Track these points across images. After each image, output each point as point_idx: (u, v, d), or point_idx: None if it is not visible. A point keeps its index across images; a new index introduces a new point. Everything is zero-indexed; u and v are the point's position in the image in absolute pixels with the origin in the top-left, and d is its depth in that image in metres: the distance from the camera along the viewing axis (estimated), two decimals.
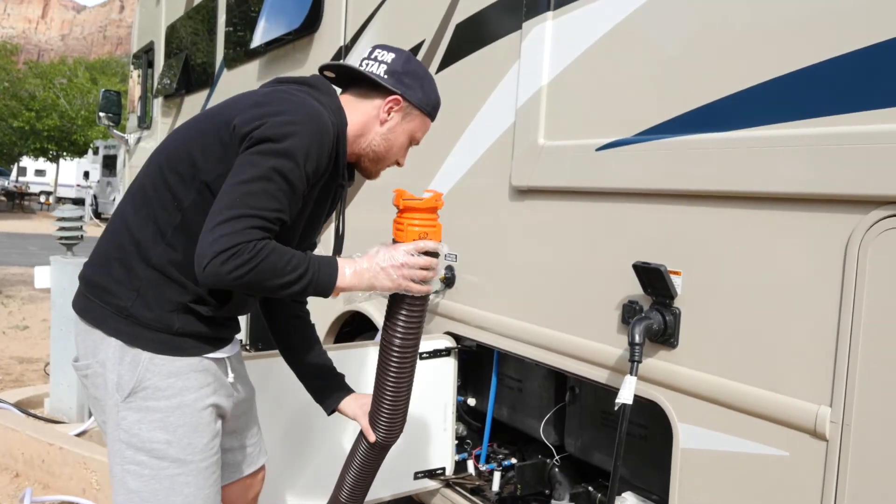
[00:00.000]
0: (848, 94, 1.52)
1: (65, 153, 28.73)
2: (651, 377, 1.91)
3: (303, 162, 1.52)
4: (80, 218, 4.57)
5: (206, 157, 1.57)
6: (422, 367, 2.33)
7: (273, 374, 2.21)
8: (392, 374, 1.75)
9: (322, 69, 1.76)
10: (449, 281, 2.70)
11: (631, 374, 1.82)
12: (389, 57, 1.73)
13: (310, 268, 1.55)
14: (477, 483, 2.75)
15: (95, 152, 28.73)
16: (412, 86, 1.74)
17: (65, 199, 33.99)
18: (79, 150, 28.68)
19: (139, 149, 7.28)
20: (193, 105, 5.56)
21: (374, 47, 1.77)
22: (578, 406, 2.41)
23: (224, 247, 1.43)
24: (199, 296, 1.62)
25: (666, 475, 1.91)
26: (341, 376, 2.00)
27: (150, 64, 6.97)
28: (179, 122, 5.95)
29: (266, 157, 1.49)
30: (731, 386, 1.72)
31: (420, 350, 2.33)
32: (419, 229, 1.64)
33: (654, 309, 1.89)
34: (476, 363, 2.80)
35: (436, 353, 2.65)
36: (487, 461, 2.75)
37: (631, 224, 2.00)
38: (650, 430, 2.10)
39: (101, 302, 1.63)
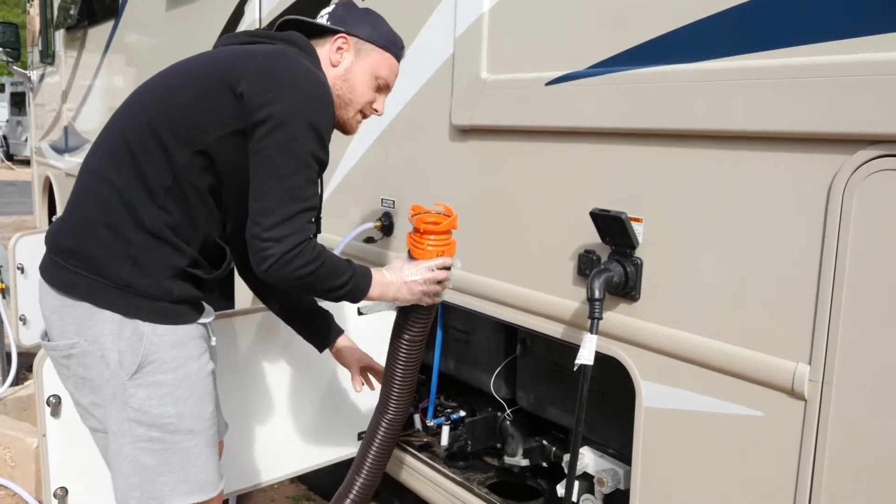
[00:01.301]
0: (829, 19, 1.35)
1: None
2: (611, 332, 1.77)
3: (328, 138, 1.56)
4: None
5: (205, 119, 1.53)
6: (361, 320, 2.17)
7: (240, 333, 2.17)
8: (399, 374, 1.91)
9: (279, 26, 1.75)
10: (387, 229, 2.49)
11: (591, 332, 1.67)
12: (331, 7, 1.77)
13: (354, 274, 1.63)
14: (425, 440, 2.62)
15: (1, 90, 26.86)
16: (355, 23, 1.74)
17: None
18: None
19: (45, 85, 6.71)
20: (98, 38, 5.08)
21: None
22: (530, 359, 2.27)
23: (289, 246, 1.48)
24: (194, 259, 1.60)
25: (625, 431, 1.80)
26: (330, 315, 2.06)
27: None
28: (86, 58, 5.48)
29: (301, 143, 1.49)
30: (699, 342, 1.59)
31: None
32: (437, 248, 1.76)
33: (613, 260, 1.73)
34: None
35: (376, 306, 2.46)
36: (435, 416, 2.62)
37: (586, 167, 1.82)
38: (608, 384, 1.98)
39: (88, 273, 1.53)
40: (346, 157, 2.66)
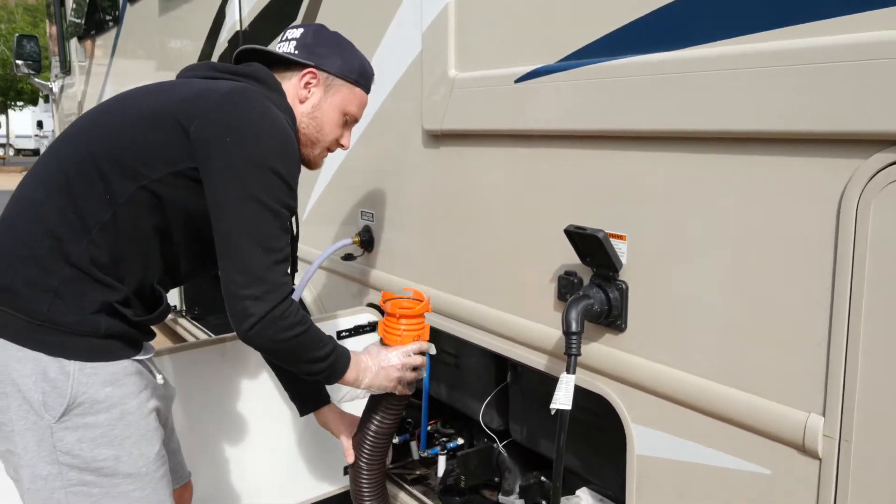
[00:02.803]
0: None
1: (12, 103, 27.41)
2: (597, 366, 1.53)
3: (295, 184, 1.46)
4: None
5: (154, 155, 1.41)
6: (345, 345, 1.99)
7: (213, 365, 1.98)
8: (365, 457, 1.79)
9: (238, 56, 1.64)
10: (367, 244, 2.28)
11: (568, 370, 1.44)
12: (298, 32, 1.64)
13: (335, 350, 1.56)
14: (419, 472, 2.41)
15: (46, 100, 27.46)
16: (325, 55, 1.62)
17: (25, 150, 32.79)
18: (30, 99, 27.35)
19: (65, 96, 6.67)
20: (104, 46, 4.99)
21: (286, 29, 1.67)
22: (521, 387, 2.03)
23: (271, 305, 1.39)
24: (126, 297, 1.45)
25: (624, 472, 1.55)
26: (322, 385, 1.91)
27: (62, 1, 6.31)
28: (95, 66, 5.40)
29: (268, 191, 1.39)
30: (694, 383, 1.34)
31: (340, 329, 2.19)
32: (411, 332, 1.68)
33: (594, 285, 1.49)
34: None
35: (358, 330, 2.25)
36: (430, 444, 2.40)
37: (562, 175, 1.58)
38: (603, 417, 1.74)
39: (6, 307, 1.39)
40: (324, 168, 2.45)
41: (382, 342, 1.70)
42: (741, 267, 1.25)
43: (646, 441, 1.45)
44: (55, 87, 7.11)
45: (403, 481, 2.35)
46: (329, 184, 2.47)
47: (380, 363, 1.64)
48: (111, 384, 1.43)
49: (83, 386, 1.40)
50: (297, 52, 1.61)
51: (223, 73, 1.56)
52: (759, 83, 1.17)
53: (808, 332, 1.16)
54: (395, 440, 2.48)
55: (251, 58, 1.62)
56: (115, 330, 1.44)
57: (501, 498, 2.13)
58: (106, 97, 5.07)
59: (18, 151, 32.32)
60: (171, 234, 1.48)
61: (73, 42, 5.96)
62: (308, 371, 1.54)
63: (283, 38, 1.65)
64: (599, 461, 1.80)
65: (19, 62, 6.95)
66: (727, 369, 1.29)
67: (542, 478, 2.06)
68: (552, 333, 1.63)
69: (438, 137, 1.91)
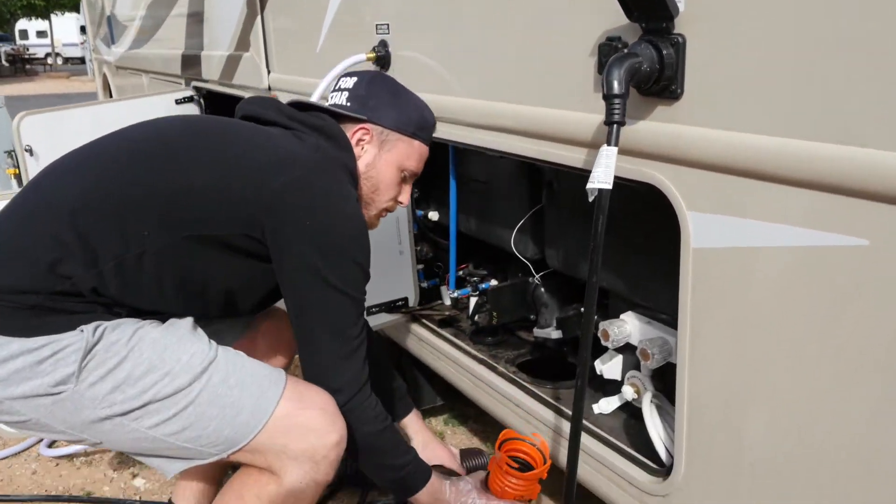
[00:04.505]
0: None
1: (54, 8, 27.19)
2: (643, 148, 1.26)
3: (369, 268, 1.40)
4: None
5: (215, 210, 1.31)
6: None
7: None
8: None
9: (291, 107, 1.48)
10: (382, 60, 2.01)
11: (609, 143, 1.17)
12: (351, 82, 1.50)
13: (413, 460, 1.51)
14: (448, 313, 2.22)
15: None
16: (378, 106, 1.47)
17: (73, 58, 32.74)
18: (71, 3, 27.09)
19: None
20: None
21: (339, 77, 1.54)
22: (558, 206, 1.78)
23: (347, 398, 1.37)
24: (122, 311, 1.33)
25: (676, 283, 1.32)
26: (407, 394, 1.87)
27: None
28: None
29: (350, 285, 1.34)
30: (771, 146, 1.07)
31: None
32: (517, 492, 1.59)
33: (642, 42, 1.20)
34: (431, 164, 2.17)
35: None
36: (460, 285, 2.20)
37: None
38: (656, 225, 1.49)
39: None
40: None
41: (486, 481, 1.63)
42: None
43: (704, 230, 1.19)
44: None
45: (430, 321, 2.17)
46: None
47: None
48: (116, 328, 1.29)
49: (84, 343, 1.25)
50: (349, 104, 1.47)
51: (292, 122, 1.43)
52: None
53: None
54: (425, 284, 2.29)
55: (303, 107, 1.49)
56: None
57: (537, 331, 1.92)
58: None
59: (67, 60, 32.29)
60: (204, 287, 1.37)
61: None
62: (381, 477, 1.51)
63: (336, 88, 1.52)
64: (647, 277, 1.56)
65: None
66: (817, 124, 1.01)
67: (582, 308, 1.83)
68: (592, 120, 1.36)
69: None
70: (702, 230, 1.20)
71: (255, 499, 1.34)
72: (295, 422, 1.32)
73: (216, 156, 1.34)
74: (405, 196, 1.57)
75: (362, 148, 1.47)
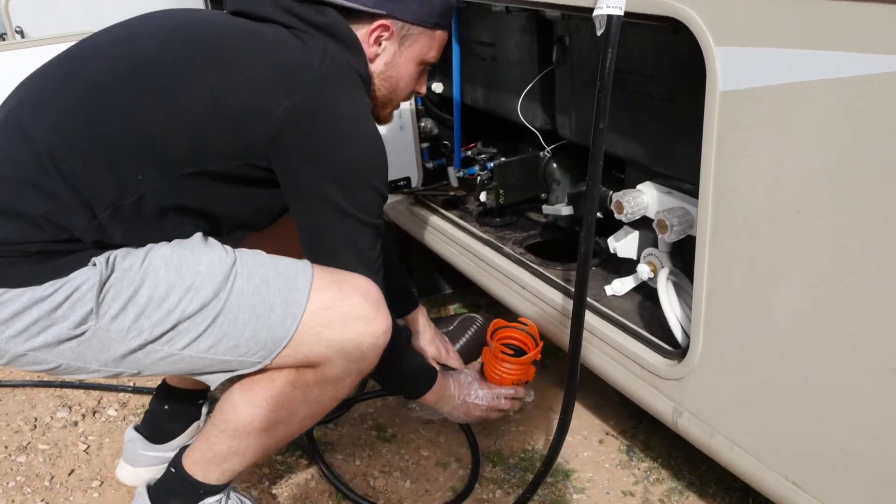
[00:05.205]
0: None
1: None
2: None
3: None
4: None
5: (216, 146, 1.15)
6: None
7: None
8: None
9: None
10: None
11: None
12: None
13: (420, 367, 1.52)
14: (452, 194, 2.06)
15: None
16: None
17: None
18: None
19: None
20: None
21: None
22: (569, 66, 1.58)
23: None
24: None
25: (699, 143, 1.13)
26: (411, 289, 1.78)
27: None
28: None
29: (368, 209, 1.23)
30: None
31: None
32: (512, 376, 1.59)
33: None
34: None
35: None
36: (469, 165, 2.03)
37: None
38: (679, 78, 1.29)
39: None
40: None
41: (482, 370, 1.62)
42: None
43: (735, 69, 1.00)
44: None
45: (433, 202, 2.01)
46: None
47: (465, 397, 1.56)
48: (126, 256, 1.15)
49: (97, 274, 1.12)
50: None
51: (291, 18, 1.21)
52: None
53: None
54: (430, 165, 2.12)
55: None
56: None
57: (546, 208, 1.76)
58: None
59: None
60: (215, 218, 1.24)
61: None
62: (390, 382, 1.52)
63: None
64: (672, 141, 1.37)
65: None
66: None
67: None
68: None
69: None
70: (732, 69, 1.01)
71: (288, 385, 1.24)
72: (338, 312, 1.20)
73: (206, 74, 1.14)
74: (423, 86, 1.43)
75: (381, 46, 1.30)
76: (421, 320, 1.75)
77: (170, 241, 1.20)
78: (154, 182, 1.13)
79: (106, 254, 1.14)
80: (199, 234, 1.23)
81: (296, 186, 1.20)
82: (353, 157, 1.19)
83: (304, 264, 1.24)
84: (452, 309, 2.32)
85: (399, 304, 1.68)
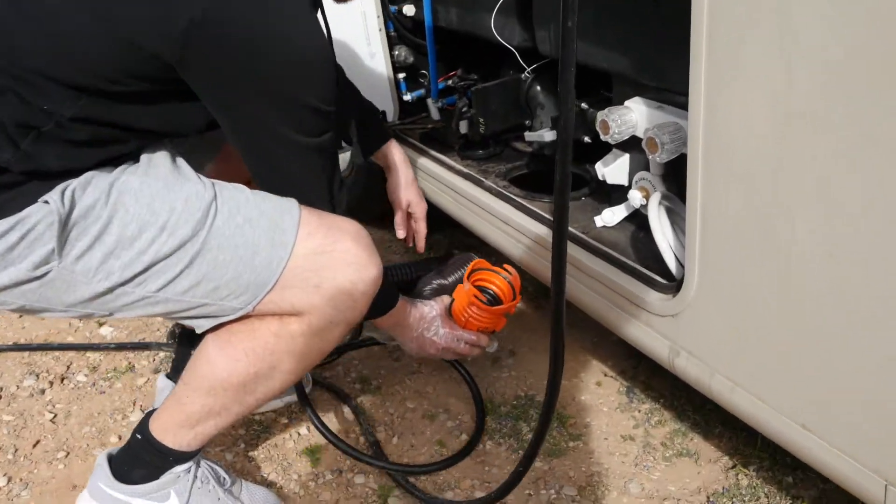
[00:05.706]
0: None
1: None
2: None
3: (334, 97, 1.09)
4: None
5: (115, 68, 0.98)
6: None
7: None
8: None
9: None
10: None
11: None
12: None
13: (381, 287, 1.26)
14: (431, 126, 1.90)
15: None
16: None
17: None
18: None
19: None
20: None
21: None
22: None
23: None
24: None
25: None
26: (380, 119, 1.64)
27: None
28: None
29: (308, 130, 1.08)
30: None
31: None
32: (479, 324, 1.45)
33: None
34: None
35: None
36: (449, 94, 1.87)
37: None
38: None
39: None
40: None
41: (450, 308, 1.46)
42: None
43: None
44: None
45: (412, 136, 1.87)
46: None
47: (424, 331, 1.42)
48: (89, 183, 1.04)
49: (60, 207, 1.00)
50: None
51: None
52: None
53: None
54: (409, 97, 1.96)
55: None
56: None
57: (528, 135, 1.61)
58: None
59: None
60: (151, 133, 1.10)
61: None
62: None
63: None
64: (662, 52, 1.21)
65: None
66: None
67: (583, 104, 1.50)
68: None
69: None
70: None
71: (271, 335, 1.12)
72: (328, 256, 1.09)
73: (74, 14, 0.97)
74: None
75: None
76: (396, 155, 1.55)
77: (114, 159, 1.07)
78: (62, 109, 0.99)
79: (60, 186, 1.01)
80: (165, 155, 1.10)
81: (219, 111, 1.05)
82: (291, 67, 1.02)
83: (290, 203, 1.11)
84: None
85: (368, 138, 1.53)
